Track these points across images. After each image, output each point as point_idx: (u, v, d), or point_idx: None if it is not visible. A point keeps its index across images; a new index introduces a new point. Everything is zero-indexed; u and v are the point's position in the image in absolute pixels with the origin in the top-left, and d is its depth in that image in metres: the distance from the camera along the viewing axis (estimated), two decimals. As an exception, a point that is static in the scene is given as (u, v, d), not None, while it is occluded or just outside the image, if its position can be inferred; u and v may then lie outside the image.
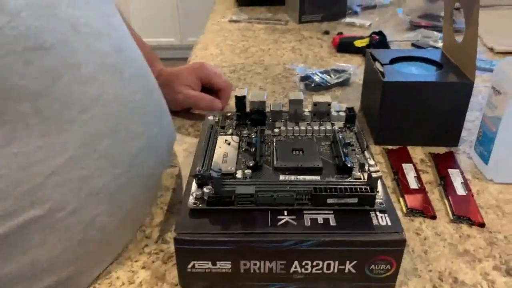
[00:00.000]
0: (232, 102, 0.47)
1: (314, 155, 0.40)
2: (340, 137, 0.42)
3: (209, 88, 0.61)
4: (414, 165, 0.50)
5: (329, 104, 0.46)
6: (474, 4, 0.49)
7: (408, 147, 0.54)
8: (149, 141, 0.41)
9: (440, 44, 0.83)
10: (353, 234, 0.33)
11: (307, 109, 0.47)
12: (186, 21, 2.55)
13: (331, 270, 0.34)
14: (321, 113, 0.46)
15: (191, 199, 0.35)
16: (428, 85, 0.52)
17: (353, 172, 0.38)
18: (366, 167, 0.38)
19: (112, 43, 0.37)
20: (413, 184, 0.47)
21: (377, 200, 0.35)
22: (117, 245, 0.39)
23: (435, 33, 0.88)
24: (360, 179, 0.37)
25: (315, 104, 0.46)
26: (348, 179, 0.37)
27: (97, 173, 0.34)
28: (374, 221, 0.34)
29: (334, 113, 0.46)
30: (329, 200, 0.35)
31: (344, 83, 0.71)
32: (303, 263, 0.34)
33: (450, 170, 0.49)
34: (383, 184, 0.37)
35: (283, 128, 0.44)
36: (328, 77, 0.72)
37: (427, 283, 0.37)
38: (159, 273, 0.38)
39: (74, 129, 0.32)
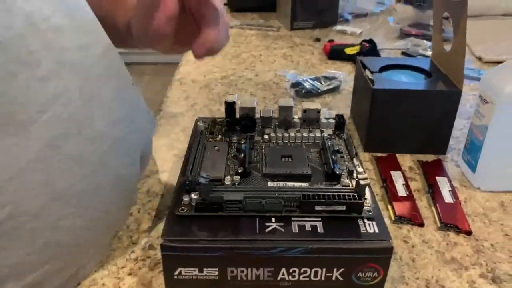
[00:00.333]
0: (221, 108, 0.47)
1: (303, 162, 0.40)
2: (329, 144, 0.42)
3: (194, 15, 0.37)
4: (402, 173, 0.51)
5: (319, 111, 0.46)
6: (462, 14, 0.50)
7: (397, 155, 0.54)
8: (118, 140, 0.40)
9: (429, 52, 0.84)
10: (341, 242, 0.33)
11: (296, 116, 0.47)
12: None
13: (319, 278, 0.34)
14: (311, 120, 0.46)
15: (179, 205, 0.35)
16: (417, 93, 0.53)
17: (342, 179, 0.38)
18: (355, 175, 0.38)
19: (75, 38, 0.35)
20: (401, 191, 0.48)
21: (365, 208, 0.35)
22: (90, 247, 0.38)
23: (425, 41, 0.89)
24: (349, 186, 0.37)
25: (304, 111, 0.46)
26: (336, 186, 0.37)
27: (62, 175, 0.33)
28: (362, 229, 0.34)
29: (323, 120, 0.46)
30: (317, 207, 0.35)
31: (334, 90, 0.72)
32: (291, 270, 0.34)
33: (438, 178, 0.50)
34: (372, 192, 0.37)
35: (272, 134, 0.44)
36: (319, 84, 0.72)
37: (414, 291, 0.37)
38: (145, 280, 0.37)
39: (35, 129, 0.31)
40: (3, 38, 0.29)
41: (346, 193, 0.35)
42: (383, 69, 0.58)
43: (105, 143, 0.38)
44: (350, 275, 0.34)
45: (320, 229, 0.34)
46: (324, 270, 0.33)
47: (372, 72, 0.56)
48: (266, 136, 0.44)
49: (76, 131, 0.34)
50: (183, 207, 0.35)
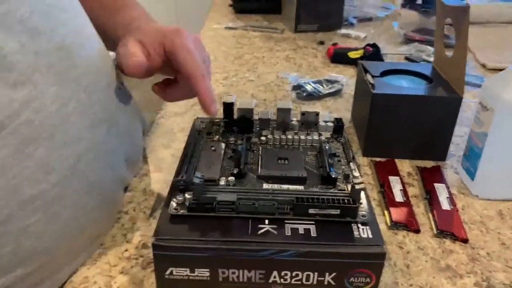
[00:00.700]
0: (221, 109, 0.47)
1: (299, 165, 0.40)
2: (326, 147, 0.41)
3: (176, 69, 0.42)
4: (400, 178, 0.50)
5: (317, 114, 0.46)
6: (464, 20, 0.50)
7: (396, 160, 0.54)
8: (95, 144, 0.38)
9: (433, 58, 0.84)
10: (333, 246, 0.33)
11: (295, 118, 0.47)
12: (182, 27, 2.55)
13: (311, 282, 0.34)
14: (309, 122, 0.46)
15: (172, 205, 0.35)
16: (417, 98, 0.53)
17: (337, 183, 0.38)
18: (350, 179, 0.38)
19: (53, 40, 0.34)
20: (398, 197, 0.47)
21: (360, 212, 0.35)
22: (63, 252, 0.37)
23: (429, 47, 0.88)
24: (344, 190, 0.37)
25: (303, 113, 0.46)
26: (331, 190, 0.37)
27: (30, 181, 0.32)
28: (355, 233, 0.34)
29: (322, 123, 0.46)
30: (311, 211, 0.35)
31: (336, 94, 0.71)
32: (282, 273, 0.33)
33: (436, 185, 0.49)
34: (367, 196, 0.37)
35: (270, 136, 0.44)
36: (321, 87, 0.72)
37: (407, 298, 0.37)
38: (137, 279, 0.37)
39: (4, 136, 0.30)
40: None
41: (340, 197, 0.35)
42: (385, 73, 0.58)
43: (79, 148, 0.36)
44: (342, 279, 0.33)
45: (313, 233, 0.34)
46: (316, 274, 0.33)
47: (373, 77, 0.56)
48: (263, 138, 0.44)
49: (49, 135, 0.33)
50: (177, 207, 0.35)
